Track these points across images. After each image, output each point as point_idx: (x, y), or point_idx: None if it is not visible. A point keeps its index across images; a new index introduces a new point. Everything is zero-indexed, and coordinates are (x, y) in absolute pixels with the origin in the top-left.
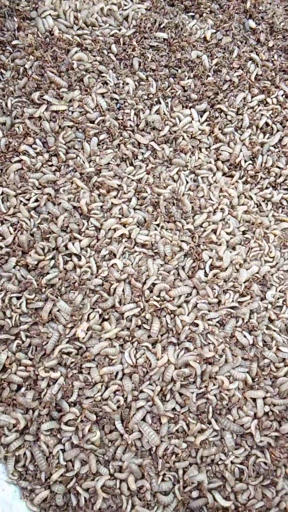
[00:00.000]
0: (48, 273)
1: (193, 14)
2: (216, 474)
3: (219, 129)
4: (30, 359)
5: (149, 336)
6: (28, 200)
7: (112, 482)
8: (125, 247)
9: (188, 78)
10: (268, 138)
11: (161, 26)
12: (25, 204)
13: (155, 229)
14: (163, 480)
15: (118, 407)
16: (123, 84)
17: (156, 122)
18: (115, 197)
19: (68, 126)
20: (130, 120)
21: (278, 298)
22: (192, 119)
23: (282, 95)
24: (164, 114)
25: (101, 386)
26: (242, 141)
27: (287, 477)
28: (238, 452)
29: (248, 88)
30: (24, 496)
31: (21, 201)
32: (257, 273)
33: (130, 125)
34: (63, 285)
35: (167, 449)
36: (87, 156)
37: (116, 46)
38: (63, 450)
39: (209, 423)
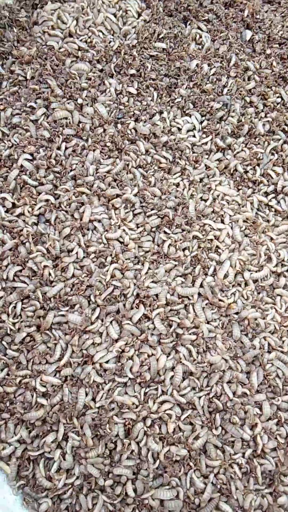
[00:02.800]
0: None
1: (191, 24)
2: (220, 480)
3: (219, 135)
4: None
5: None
6: (32, 208)
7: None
8: (130, 255)
9: (187, 87)
10: (267, 145)
11: (160, 37)
12: (25, 212)
13: (161, 235)
14: (167, 487)
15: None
16: (123, 93)
17: (157, 130)
18: (118, 206)
19: (70, 135)
20: (131, 129)
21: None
22: (194, 127)
23: (280, 102)
24: (165, 122)
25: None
26: (242, 149)
27: None
28: (243, 457)
29: (245, 96)
30: (27, 502)
31: (22, 210)
32: (263, 278)
33: (131, 134)
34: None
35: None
36: (89, 164)
37: (116, 56)
38: (64, 457)
39: (216, 428)
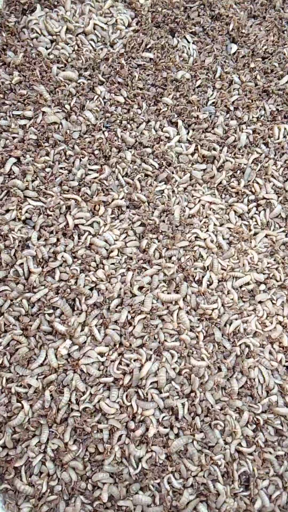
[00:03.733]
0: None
1: (178, 36)
2: (199, 483)
3: (205, 146)
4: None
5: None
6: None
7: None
8: (115, 261)
9: (173, 98)
10: (250, 156)
11: (148, 47)
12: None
13: (146, 241)
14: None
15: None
16: (111, 102)
17: (144, 139)
18: (103, 212)
19: (59, 141)
20: (118, 137)
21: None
22: (180, 137)
23: (262, 116)
24: (151, 131)
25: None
26: (227, 159)
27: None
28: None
29: (229, 108)
30: (7, 504)
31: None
32: (246, 284)
33: (118, 142)
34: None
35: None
36: (76, 171)
37: (104, 64)
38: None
39: (201, 431)
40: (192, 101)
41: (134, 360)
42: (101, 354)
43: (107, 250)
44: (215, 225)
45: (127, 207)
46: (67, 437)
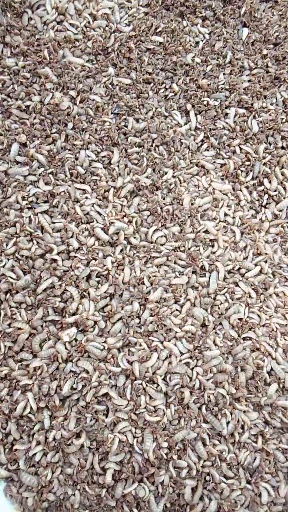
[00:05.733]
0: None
1: (188, 19)
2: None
3: (215, 135)
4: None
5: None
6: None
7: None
8: (123, 248)
9: (183, 82)
10: (260, 145)
11: (157, 30)
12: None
13: (155, 231)
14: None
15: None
16: (119, 87)
17: (152, 125)
18: (111, 199)
19: (65, 125)
20: (126, 123)
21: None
22: (190, 124)
23: (274, 103)
24: (160, 117)
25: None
26: (235, 149)
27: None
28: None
29: (241, 95)
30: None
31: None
32: (255, 276)
33: (127, 128)
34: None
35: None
36: (84, 157)
37: (112, 47)
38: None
39: (206, 422)
40: (201, 86)
41: (142, 351)
42: (108, 344)
43: (114, 239)
44: (225, 214)
45: (135, 194)
46: (72, 425)
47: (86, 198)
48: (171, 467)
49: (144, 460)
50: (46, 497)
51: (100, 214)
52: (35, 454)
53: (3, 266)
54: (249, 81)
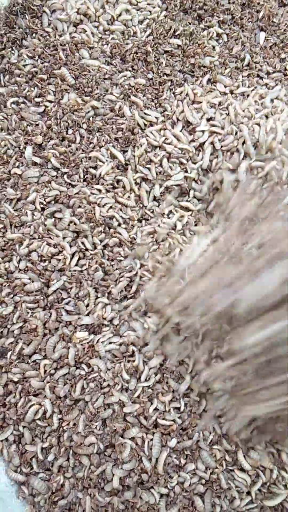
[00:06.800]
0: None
1: (206, 22)
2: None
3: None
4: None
5: None
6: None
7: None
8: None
9: (200, 84)
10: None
11: (176, 33)
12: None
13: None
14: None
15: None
16: (135, 88)
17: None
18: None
19: (81, 126)
20: (141, 124)
21: None
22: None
23: None
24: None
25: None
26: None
27: None
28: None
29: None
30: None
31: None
32: None
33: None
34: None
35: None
36: (102, 157)
37: (130, 49)
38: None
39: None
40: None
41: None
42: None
43: (132, 242)
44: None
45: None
46: (81, 426)
47: (101, 198)
48: (183, 473)
49: (153, 467)
50: (57, 500)
51: (117, 217)
52: (46, 456)
53: (17, 267)
54: (266, 85)
